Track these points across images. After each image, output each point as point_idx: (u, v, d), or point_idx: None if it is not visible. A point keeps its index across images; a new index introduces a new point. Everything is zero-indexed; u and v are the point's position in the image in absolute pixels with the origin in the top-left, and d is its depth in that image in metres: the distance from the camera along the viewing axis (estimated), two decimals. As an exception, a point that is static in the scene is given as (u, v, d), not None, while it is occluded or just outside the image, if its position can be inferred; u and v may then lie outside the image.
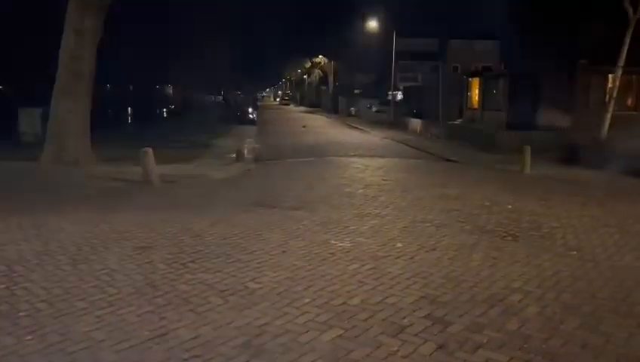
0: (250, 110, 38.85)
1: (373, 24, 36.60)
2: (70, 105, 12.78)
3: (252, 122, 34.83)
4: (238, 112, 38.88)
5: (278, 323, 4.02)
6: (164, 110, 39.56)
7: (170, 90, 42.22)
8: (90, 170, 11.83)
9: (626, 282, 5.06)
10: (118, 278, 4.94)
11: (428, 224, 7.38)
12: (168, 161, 12.79)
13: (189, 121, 33.20)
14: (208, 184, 11.00)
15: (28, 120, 17.53)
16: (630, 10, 16.26)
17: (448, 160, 16.73)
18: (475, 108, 31.36)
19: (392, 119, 32.90)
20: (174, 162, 13.32)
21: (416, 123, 28.31)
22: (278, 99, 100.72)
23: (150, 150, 10.53)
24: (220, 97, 43.98)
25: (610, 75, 18.77)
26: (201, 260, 5.51)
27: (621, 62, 16.69)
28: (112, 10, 13.44)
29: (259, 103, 62.35)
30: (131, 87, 34.70)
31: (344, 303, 4.43)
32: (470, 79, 32.79)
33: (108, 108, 27.85)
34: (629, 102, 23.82)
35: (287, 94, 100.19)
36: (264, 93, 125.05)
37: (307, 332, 3.87)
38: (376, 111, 40.15)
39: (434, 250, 6.08)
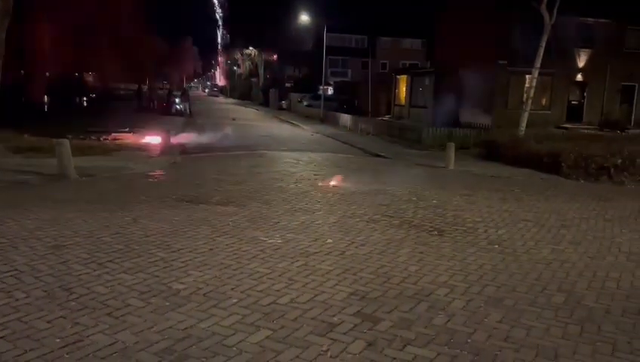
0: (177, 101, 37.44)
1: (305, 18, 36.52)
2: (-25, 91, 11.73)
3: (180, 114, 33.69)
4: (163, 103, 37.48)
5: (204, 325, 3.83)
6: (84, 99, 37.37)
7: (90, 78, 39.86)
8: (-2, 162, 10.92)
9: (543, 274, 5.31)
10: (27, 281, 4.54)
11: (358, 219, 7.41)
12: (86, 153, 12.06)
13: (109, 111, 31.60)
14: (130, 178, 10.47)
15: None
16: (546, 16, 17.22)
17: (377, 155, 17.00)
18: (402, 105, 32.23)
19: (323, 114, 33.07)
20: (93, 154, 12.60)
21: (346, 118, 28.59)
22: (206, 90, 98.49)
23: (66, 141, 9.87)
24: (141, 87, 41.94)
25: (527, 76, 19.84)
26: (121, 259, 5.19)
27: (538, 64, 17.64)
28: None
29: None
30: (47, 74, 32.37)
31: (273, 302, 4.31)
32: (398, 76, 33.65)
33: (21, 96, 25.86)
34: (544, 101, 25.40)
35: (217, 85, 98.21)
36: (192, 84, 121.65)
37: (234, 334, 3.72)
38: (307, 106, 40.20)
39: (364, 245, 6.09)
